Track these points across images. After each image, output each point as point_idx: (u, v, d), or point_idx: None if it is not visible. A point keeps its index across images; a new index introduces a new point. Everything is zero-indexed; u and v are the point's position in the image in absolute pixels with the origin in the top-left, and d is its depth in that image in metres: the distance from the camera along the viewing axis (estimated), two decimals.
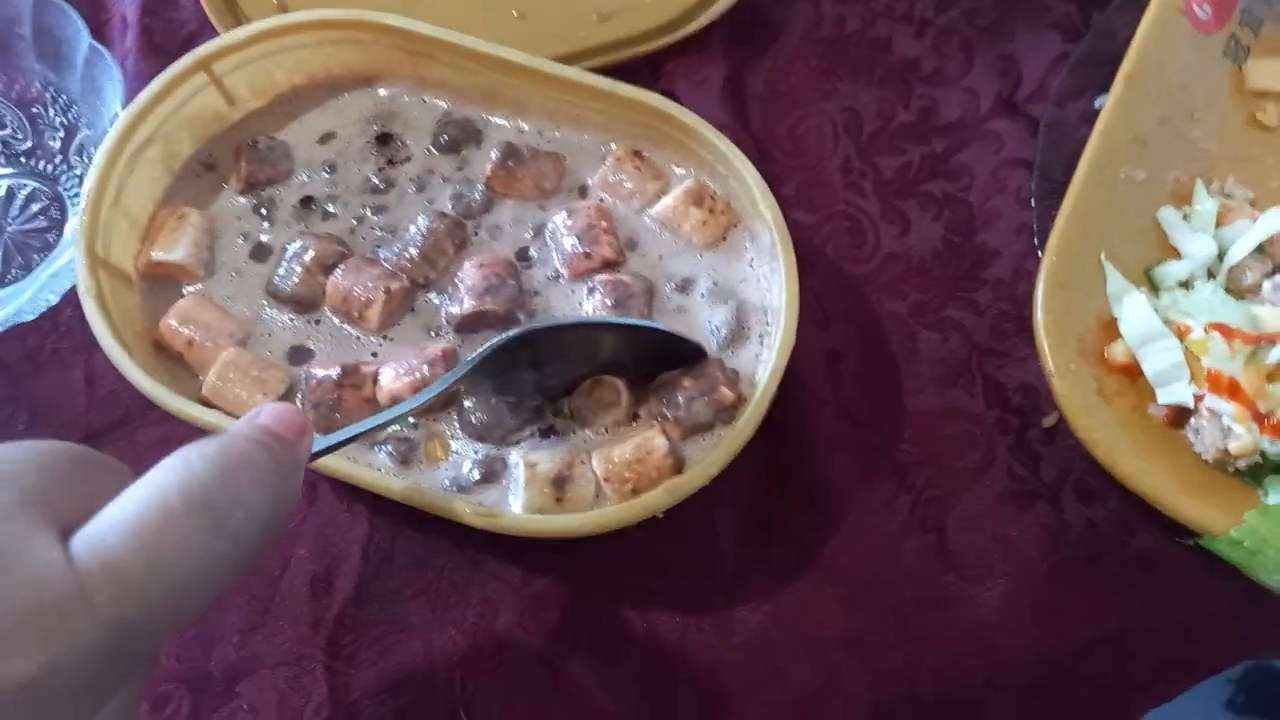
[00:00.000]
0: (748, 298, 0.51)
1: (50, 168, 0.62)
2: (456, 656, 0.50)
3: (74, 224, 0.50)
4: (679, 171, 0.54)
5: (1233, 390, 0.48)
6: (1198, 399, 0.49)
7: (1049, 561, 0.51)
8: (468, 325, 0.50)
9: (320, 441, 0.37)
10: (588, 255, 0.51)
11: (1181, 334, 0.50)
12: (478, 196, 0.53)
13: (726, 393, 0.47)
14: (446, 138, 0.55)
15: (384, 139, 0.55)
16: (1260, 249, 0.53)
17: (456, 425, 0.48)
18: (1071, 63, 0.59)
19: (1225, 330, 0.49)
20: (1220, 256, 0.54)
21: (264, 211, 0.53)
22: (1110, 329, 0.52)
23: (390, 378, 0.48)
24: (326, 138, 0.55)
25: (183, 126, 0.53)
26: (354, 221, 0.53)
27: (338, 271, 0.50)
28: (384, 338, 0.50)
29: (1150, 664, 0.50)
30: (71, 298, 0.55)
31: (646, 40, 0.61)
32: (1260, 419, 0.47)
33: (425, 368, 0.48)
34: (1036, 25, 0.64)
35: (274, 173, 0.54)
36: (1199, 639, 0.51)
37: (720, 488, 0.45)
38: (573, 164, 0.54)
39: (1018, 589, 0.51)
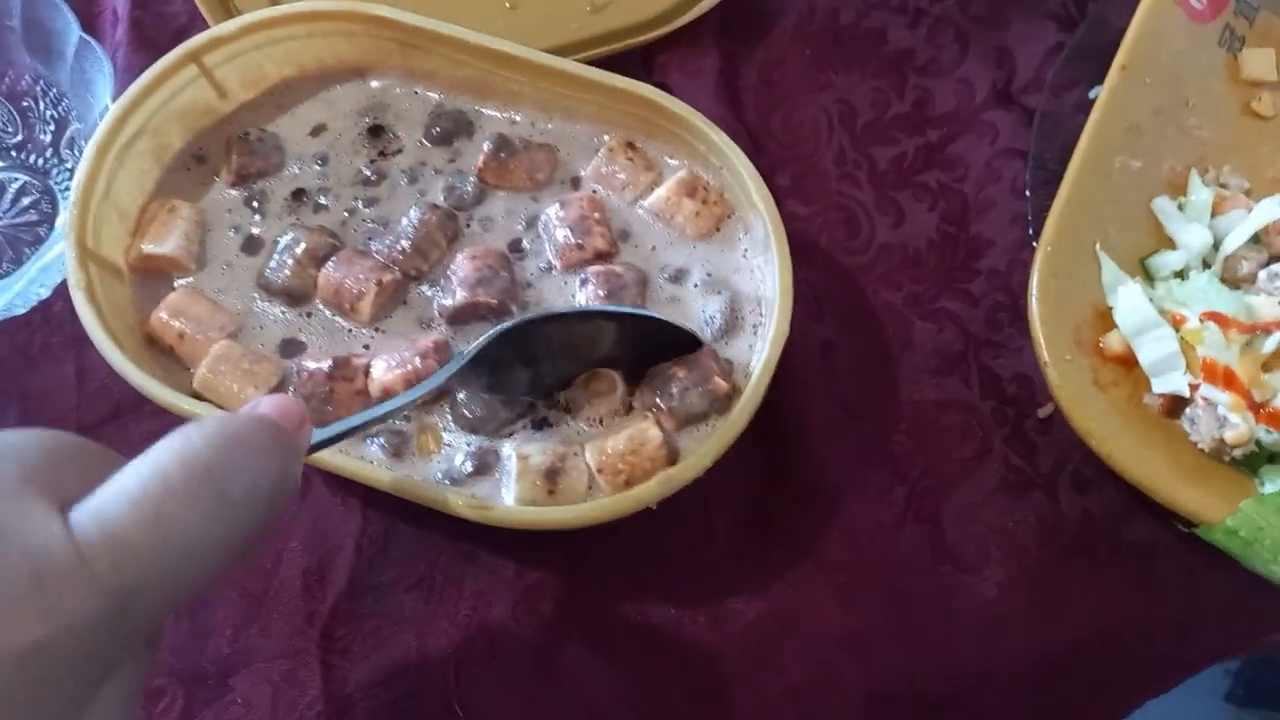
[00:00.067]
0: (741, 288, 0.51)
1: (41, 161, 0.62)
2: (450, 649, 0.49)
3: (64, 217, 0.50)
4: (672, 163, 0.54)
5: (1228, 380, 0.48)
6: (1193, 388, 0.49)
7: (1045, 552, 0.51)
8: (460, 317, 0.50)
9: (318, 435, 0.37)
10: (580, 246, 0.51)
11: (1177, 323, 0.50)
12: (470, 188, 0.53)
13: (721, 383, 0.47)
14: (438, 129, 0.54)
15: (375, 131, 0.55)
16: (1255, 238, 0.53)
17: (449, 418, 0.48)
18: (1066, 53, 0.59)
19: (1220, 319, 0.49)
20: (1215, 246, 0.54)
21: (255, 204, 0.53)
22: (1105, 319, 0.51)
23: (382, 370, 0.48)
24: (318, 130, 0.55)
25: (173, 119, 0.52)
26: (345, 214, 0.53)
27: (329, 264, 0.50)
28: (376, 330, 0.50)
29: (1148, 656, 0.50)
30: (62, 291, 0.55)
31: (639, 31, 0.61)
32: (1255, 408, 0.47)
33: (417, 360, 0.47)
34: (1031, 15, 0.64)
35: (265, 165, 0.53)
36: (1196, 630, 0.51)
37: (714, 479, 0.45)
38: (565, 155, 0.54)
39: (1014, 579, 0.51)
